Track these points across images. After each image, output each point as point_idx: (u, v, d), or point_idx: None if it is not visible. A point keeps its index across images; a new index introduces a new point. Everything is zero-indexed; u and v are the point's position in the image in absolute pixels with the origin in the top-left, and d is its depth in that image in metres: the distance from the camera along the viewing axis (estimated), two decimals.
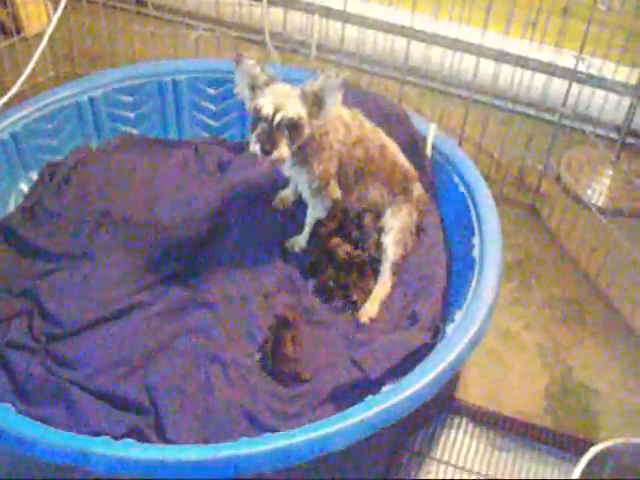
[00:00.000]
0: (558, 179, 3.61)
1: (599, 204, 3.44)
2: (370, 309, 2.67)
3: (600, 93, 3.52)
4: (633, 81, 3.43)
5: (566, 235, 3.33)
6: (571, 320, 3.01)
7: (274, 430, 2.21)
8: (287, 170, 2.73)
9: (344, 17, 3.75)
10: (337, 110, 2.59)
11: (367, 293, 2.73)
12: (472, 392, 2.70)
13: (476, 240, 2.69)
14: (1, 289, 2.67)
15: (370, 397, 2.17)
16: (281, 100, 2.45)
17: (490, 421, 2.61)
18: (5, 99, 3.23)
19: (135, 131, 3.39)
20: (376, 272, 2.79)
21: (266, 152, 2.43)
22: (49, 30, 3.49)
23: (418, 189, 2.90)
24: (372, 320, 2.64)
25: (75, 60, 3.95)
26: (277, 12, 3.93)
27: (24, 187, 3.09)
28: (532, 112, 3.63)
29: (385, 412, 2.09)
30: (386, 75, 3.84)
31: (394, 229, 2.79)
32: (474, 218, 2.78)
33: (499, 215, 2.78)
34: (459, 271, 2.74)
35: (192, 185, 3.10)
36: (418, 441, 2.51)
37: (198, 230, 2.86)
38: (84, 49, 3.97)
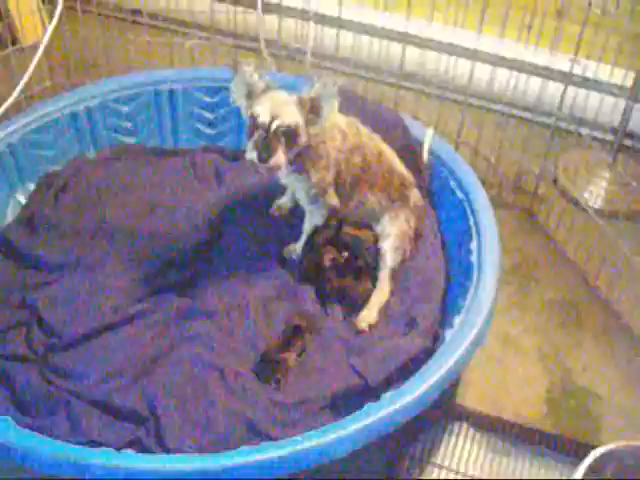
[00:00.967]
0: (555, 182, 3.61)
1: (596, 207, 3.44)
2: (369, 315, 2.66)
3: (596, 95, 3.52)
4: (628, 83, 3.43)
5: (564, 238, 3.34)
6: (570, 323, 3.01)
7: (274, 438, 2.21)
8: (284, 178, 2.73)
9: (339, 23, 3.76)
10: (334, 117, 2.59)
11: (364, 297, 2.73)
12: (472, 397, 2.70)
13: (474, 245, 2.69)
14: None
15: (370, 404, 2.16)
16: (278, 108, 2.45)
17: (491, 426, 2.61)
18: (1, 110, 3.24)
19: (132, 140, 3.39)
20: (374, 278, 2.79)
21: (263, 160, 2.42)
22: (45, 40, 3.50)
23: (415, 195, 2.90)
24: (371, 326, 2.64)
25: (71, 70, 3.94)
26: (272, 19, 3.93)
27: (22, 198, 3.09)
28: (528, 115, 3.63)
29: (385, 419, 2.09)
30: (382, 81, 3.84)
31: (392, 235, 2.79)
32: (472, 223, 2.78)
33: (496, 219, 2.78)
34: (457, 276, 2.74)
35: (189, 194, 3.10)
36: (419, 447, 2.51)
37: (196, 239, 2.86)
38: (80, 59, 3.97)
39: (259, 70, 2.54)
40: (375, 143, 2.84)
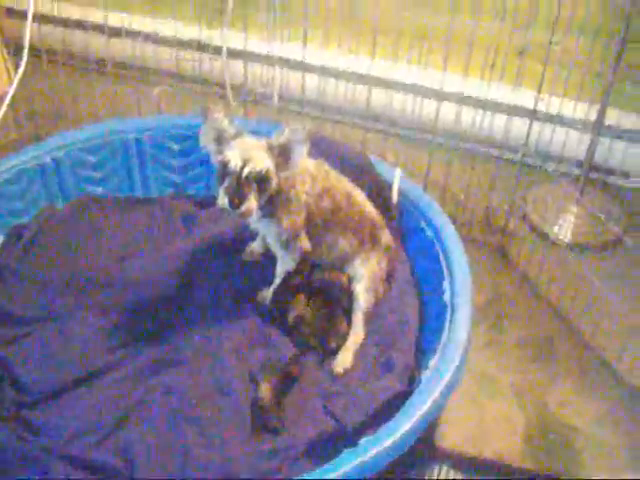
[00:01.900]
0: (524, 218, 3.63)
1: (566, 240, 3.47)
2: (344, 359, 2.65)
3: (561, 130, 3.56)
4: (592, 117, 3.48)
5: (535, 273, 3.35)
6: (545, 358, 3.01)
7: None
8: (255, 223, 2.73)
9: (304, 67, 3.78)
10: (302, 162, 2.60)
11: (340, 340, 2.73)
12: (451, 437, 2.69)
13: (446, 284, 2.69)
14: None
15: (348, 450, 2.14)
16: (248, 153, 2.45)
17: (471, 466, 2.59)
18: None
19: (100, 190, 3.38)
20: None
21: (235, 206, 2.42)
22: (10, 92, 3.49)
23: (386, 236, 2.90)
24: (346, 370, 2.63)
25: (38, 121, 3.94)
26: (237, 65, 3.95)
27: None
28: (495, 152, 3.67)
29: (364, 465, 2.07)
30: (348, 122, 3.87)
31: (364, 277, 2.78)
32: (443, 262, 2.78)
33: (468, 257, 2.79)
34: (431, 316, 2.74)
35: (159, 242, 3.09)
36: None
37: (167, 287, 2.83)
38: (46, 110, 3.97)
39: (229, 116, 2.55)
40: (344, 185, 2.84)
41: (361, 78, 3.71)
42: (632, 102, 3.57)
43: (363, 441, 2.19)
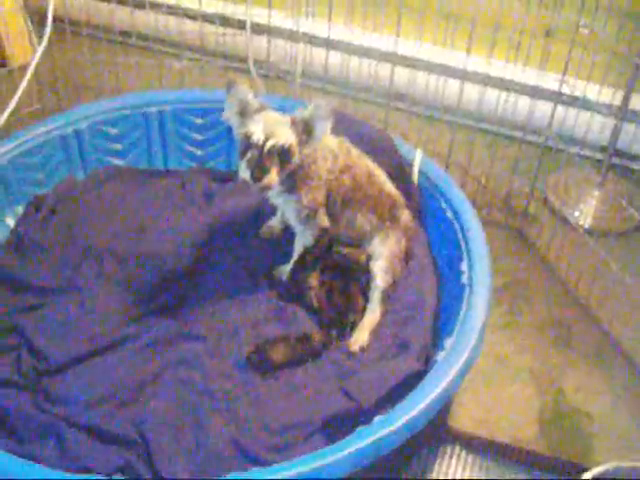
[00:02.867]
0: (545, 201, 3.62)
1: (586, 226, 3.45)
2: (360, 337, 2.65)
3: (585, 114, 3.53)
4: (617, 102, 3.45)
5: (554, 258, 3.34)
6: (562, 343, 3.00)
7: (265, 463, 2.20)
8: (274, 198, 2.73)
9: (328, 44, 3.76)
10: (325, 139, 2.59)
11: (357, 317, 2.73)
12: (464, 418, 2.68)
13: (465, 266, 2.69)
14: None
15: (362, 428, 2.14)
16: (272, 127, 2.45)
17: (484, 448, 2.59)
18: None
19: (121, 162, 3.39)
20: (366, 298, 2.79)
21: (256, 179, 2.42)
22: (33, 63, 3.49)
23: (406, 216, 2.90)
24: (363, 349, 2.63)
25: (60, 92, 3.94)
26: (261, 40, 3.94)
27: (10, 221, 3.07)
28: (518, 135, 3.64)
29: (377, 443, 2.07)
30: (371, 101, 3.85)
31: (383, 256, 2.78)
32: (462, 244, 2.77)
33: (487, 239, 2.78)
34: (448, 297, 2.73)
35: (178, 215, 3.08)
36: (411, 471, 2.49)
37: (185, 261, 2.83)
38: (69, 81, 3.97)
39: (253, 90, 2.54)
40: (365, 164, 2.84)
41: (385, 56, 3.68)
42: None
43: (377, 419, 2.20)
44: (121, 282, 2.78)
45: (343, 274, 2.81)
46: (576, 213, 3.51)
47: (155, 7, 3.92)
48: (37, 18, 3.74)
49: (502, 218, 3.54)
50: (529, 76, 3.50)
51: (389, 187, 2.89)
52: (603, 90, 3.47)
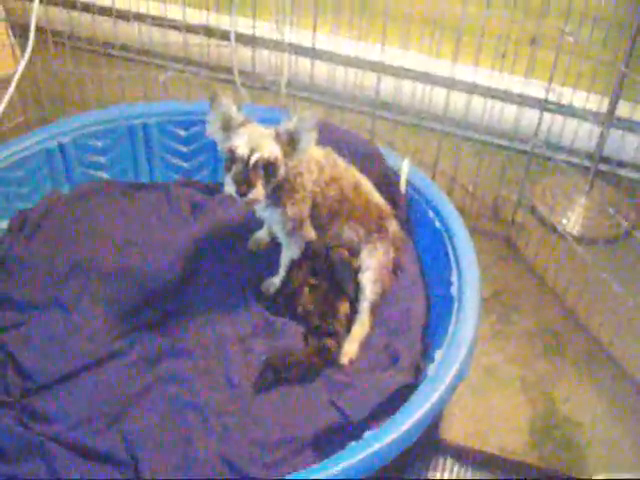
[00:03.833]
0: (533, 209, 3.61)
1: (575, 233, 3.44)
2: (350, 350, 2.63)
3: (572, 122, 3.53)
4: (603, 109, 3.45)
5: (543, 266, 3.33)
6: (552, 352, 2.99)
7: (256, 479, 2.19)
8: (261, 211, 2.70)
9: (313, 54, 3.75)
10: (310, 150, 2.57)
11: (337, 320, 2.71)
12: (455, 430, 2.66)
13: (454, 276, 2.67)
14: None
15: (353, 444, 2.13)
16: (256, 141, 2.42)
17: (475, 459, 2.57)
18: None
19: (106, 175, 3.35)
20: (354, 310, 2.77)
21: (242, 194, 2.39)
22: (16, 75, 3.47)
23: (394, 226, 2.89)
24: (352, 361, 2.61)
25: (44, 105, 3.91)
26: (245, 51, 3.92)
27: None
28: (505, 143, 3.64)
29: (369, 459, 2.05)
30: (357, 110, 3.84)
31: (371, 268, 2.77)
32: (451, 253, 2.76)
33: (475, 248, 2.77)
34: (438, 308, 2.72)
35: (165, 229, 3.06)
36: None
37: (172, 275, 2.81)
38: (53, 93, 3.94)
39: (237, 103, 2.52)
40: (351, 174, 2.82)
41: (371, 66, 3.68)
42: None
43: (368, 434, 2.18)
44: (107, 298, 2.75)
45: (329, 280, 2.80)
46: (564, 221, 3.50)
47: (139, 18, 3.89)
48: (20, 30, 3.71)
49: (490, 227, 3.54)
50: (515, 84, 3.49)
51: (376, 198, 2.88)
52: (589, 97, 3.47)
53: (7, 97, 3.40)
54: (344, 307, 2.75)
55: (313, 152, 2.66)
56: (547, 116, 3.43)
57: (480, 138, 3.63)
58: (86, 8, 3.93)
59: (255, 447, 2.32)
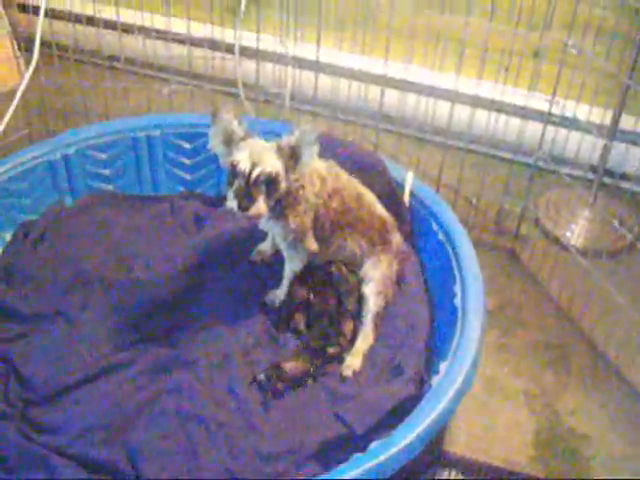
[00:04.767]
0: (536, 222, 3.61)
1: (578, 246, 3.44)
2: (354, 362, 2.62)
3: (575, 135, 3.53)
4: (607, 122, 3.45)
5: (547, 278, 3.32)
6: (556, 365, 2.98)
7: None
8: (263, 224, 2.70)
9: (317, 67, 3.76)
10: (313, 163, 2.57)
11: (346, 340, 2.71)
12: (460, 443, 2.66)
13: (457, 288, 2.67)
14: None
15: (357, 455, 2.12)
16: (258, 155, 2.42)
17: (480, 472, 2.56)
18: None
19: (110, 188, 3.36)
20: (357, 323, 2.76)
21: (244, 208, 2.39)
22: (20, 88, 3.48)
23: (397, 238, 2.88)
24: (356, 373, 2.60)
25: (48, 118, 3.92)
26: (250, 64, 3.93)
27: None
28: (508, 156, 3.63)
29: (373, 470, 2.04)
30: (361, 123, 3.84)
31: (374, 280, 2.76)
32: (454, 265, 2.75)
33: (479, 261, 2.76)
34: (442, 320, 2.71)
35: (168, 241, 3.07)
36: None
37: (176, 287, 2.81)
38: (57, 106, 3.95)
39: (238, 117, 2.52)
40: (354, 187, 2.82)
41: (374, 79, 3.68)
42: None
43: (372, 446, 2.17)
44: (110, 309, 2.75)
45: (330, 295, 2.80)
46: (568, 233, 3.50)
47: (143, 31, 3.90)
48: (25, 44, 3.73)
49: (494, 239, 3.53)
50: (519, 97, 3.49)
51: (379, 210, 2.87)
52: (593, 110, 3.47)
53: (11, 109, 3.41)
54: (349, 324, 2.75)
55: (315, 165, 2.65)
56: (550, 129, 3.43)
57: (484, 151, 3.63)
58: (91, 22, 3.94)
59: (259, 459, 2.31)
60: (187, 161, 3.42)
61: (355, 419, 2.37)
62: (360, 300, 2.77)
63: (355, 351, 2.66)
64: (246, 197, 2.38)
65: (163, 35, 3.90)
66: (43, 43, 3.58)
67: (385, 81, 3.57)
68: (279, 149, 2.47)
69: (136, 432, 2.36)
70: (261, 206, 2.41)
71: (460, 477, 2.55)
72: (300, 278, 2.82)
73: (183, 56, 3.91)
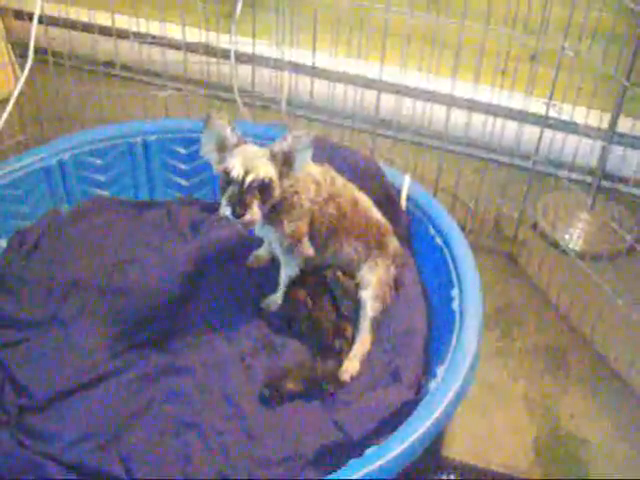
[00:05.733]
0: (535, 226, 3.59)
1: (577, 249, 3.42)
2: (351, 367, 2.60)
3: (573, 138, 3.52)
4: (605, 124, 3.44)
5: (546, 282, 3.31)
6: (556, 368, 2.97)
7: None
8: (258, 230, 2.68)
9: (313, 72, 3.75)
10: (307, 168, 2.55)
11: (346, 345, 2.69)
12: (458, 448, 2.64)
13: (455, 292, 2.65)
14: None
15: (354, 460, 2.10)
16: (251, 162, 2.40)
17: (478, 477, 2.54)
18: None
19: (106, 193, 3.35)
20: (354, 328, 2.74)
21: (237, 216, 2.37)
22: (15, 93, 3.46)
23: (394, 243, 2.87)
24: (353, 378, 2.58)
25: (44, 124, 3.91)
26: (246, 69, 3.92)
27: None
28: (506, 159, 3.62)
29: (369, 477, 2.02)
30: (357, 128, 3.83)
31: (372, 284, 2.74)
32: (452, 270, 2.74)
33: (477, 265, 2.75)
34: (439, 325, 2.69)
35: (165, 247, 3.05)
36: None
37: (172, 293, 2.79)
38: (52, 112, 3.94)
39: (231, 123, 2.50)
40: (350, 192, 2.80)
41: (370, 83, 3.67)
42: None
43: (369, 451, 2.16)
44: (106, 316, 2.74)
45: (328, 300, 2.79)
46: (566, 237, 3.48)
47: (139, 37, 3.89)
48: (20, 50, 3.72)
49: (492, 243, 3.52)
50: (516, 100, 3.48)
51: (376, 215, 2.86)
52: (590, 113, 3.46)
53: (5, 115, 3.39)
54: (349, 329, 2.73)
55: (310, 170, 2.64)
56: (548, 132, 3.42)
57: (481, 155, 3.61)
58: (86, 28, 3.93)
59: (255, 465, 2.30)
60: (183, 166, 3.41)
61: (352, 425, 2.35)
62: (357, 304, 2.76)
63: (352, 355, 2.64)
64: (240, 204, 2.36)
65: (159, 41, 3.89)
66: (38, 49, 3.57)
67: (381, 85, 3.56)
68: (272, 155, 2.45)
69: (131, 438, 2.35)
70: (255, 213, 2.39)
71: None
72: (296, 283, 2.80)
73: (179, 61, 3.90)
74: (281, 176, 2.46)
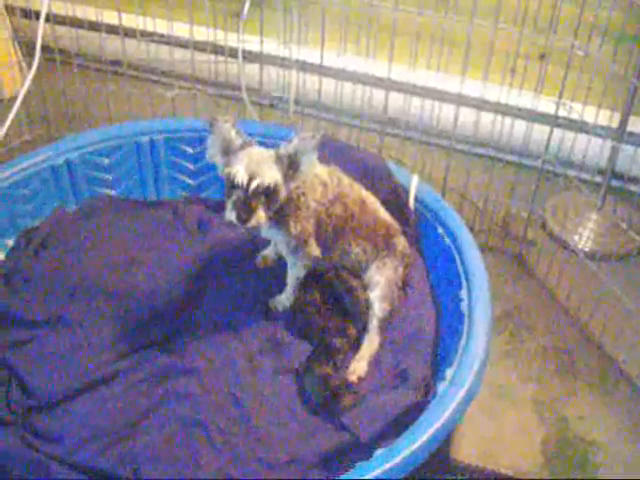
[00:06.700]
0: (544, 226, 3.57)
1: (586, 249, 3.40)
2: (359, 368, 2.59)
3: (582, 137, 3.50)
4: (615, 124, 3.42)
5: (555, 283, 3.29)
6: (565, 370, 2.94)
7: None
8: (265, 231, 2.67)
9: (321, 71, 3.74)
10: (314, 169, 2.53)
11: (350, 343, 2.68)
12: (466, 450, 2.62)
13: (464, 293, 2.63)
14: None
15: (362, 463, 2.08)
16: (256, 166, 2.37)
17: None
18: None
19: (113, 193, 3.34)
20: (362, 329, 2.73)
21: (242, 220, 2.36)
22: (22, 92, 3.47)
23: (402, 243, 2.85)
24: (361, 379, 2.57)
25: (51, 122, 3.91)
26: (253, 68, 3.91)
27: (0, 254, 3.02)
28: (515, 159, 3.60)
29: (377, 478, 2.01)
30: (365, 127, 3.81)
31: (380, 284, 2.73)
32: (461, 270, 2.72)
33: (486, 265, 2.73)
34: (448, 326, 2.68)
35: (172, 246, 3.04)
36: None
37: (178, 293, 2.78)
38: (60, 111, 3.94)
39: (236, 126, 2.47)
40: (357, 192, 2.78)
41: (379, 82, 3.65)
42: None
43: (377, 453, 2.14)
44: (113, 316, 2.72)
45: (334, 300, 2.79)
46: (575, 237, 3.46)
47: (146, 36, 3.88)
48: (27, 49, 3.72)
49: (500, 243, 3.50)
50: (525, 99, 3.46)
51: (383, 215, 2.84)
52: (600, 112, 3.43)
53: (12, 114, 3.39)
54: (351, 327, 2.73)
55: (317, 170, 2.62)
56: (557, 132, 3.39)
57: (490, 154, 3.59)
58: (93, 26, 3.92)
59: (262, 467, 2.29)
60: (190, 166, 3.40)
61: (360, 427, 2.34)
62: (360, 303, 2.74)
63: (360, 356, 2.63)
64: (245, 209, 2.35)
65: (166, 39, 3.87)
66: (45, 48, 3.57)
67: (390, 84, 3.54)
68: (278, 158, 2.43)
69: (137, 439, 2.34)
70: (261, 217, 2.38)
71: None
72: (304, 284, 2.79)
73: (186, 60, 3.89)
74: (287, 179, 2.44)
